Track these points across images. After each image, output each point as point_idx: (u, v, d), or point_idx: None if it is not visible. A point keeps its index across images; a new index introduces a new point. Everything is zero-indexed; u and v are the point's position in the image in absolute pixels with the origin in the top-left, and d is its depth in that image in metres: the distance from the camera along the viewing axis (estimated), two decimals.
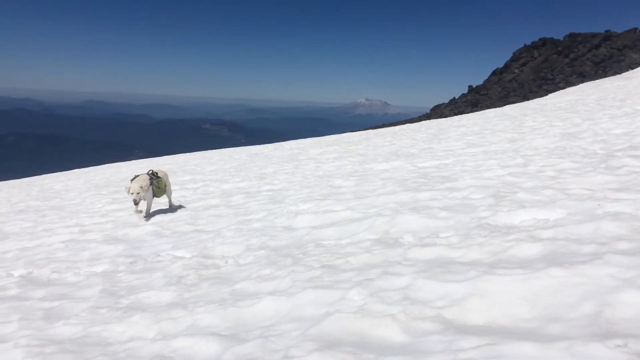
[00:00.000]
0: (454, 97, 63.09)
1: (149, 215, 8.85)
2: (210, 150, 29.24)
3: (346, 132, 30.50)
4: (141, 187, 8.28)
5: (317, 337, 3.22)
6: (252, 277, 4.81)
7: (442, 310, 3.35)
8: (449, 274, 3.91)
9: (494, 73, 64.02)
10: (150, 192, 8.68)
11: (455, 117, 29.41)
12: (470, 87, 63.92)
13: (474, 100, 57.44)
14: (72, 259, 6.74)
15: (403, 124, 32.90)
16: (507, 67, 62.96)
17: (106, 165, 29.45)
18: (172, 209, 9.43)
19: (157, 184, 8.88)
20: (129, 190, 8.35)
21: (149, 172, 8.94)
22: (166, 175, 9.44)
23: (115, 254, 6.75)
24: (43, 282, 5.89)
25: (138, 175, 8.69)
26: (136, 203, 8.43)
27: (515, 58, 63.01)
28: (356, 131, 30.76)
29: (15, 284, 5.88)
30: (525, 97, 43.49)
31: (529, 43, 63.08)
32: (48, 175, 27.49)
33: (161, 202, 9.83)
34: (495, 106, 37.77)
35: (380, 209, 6.67)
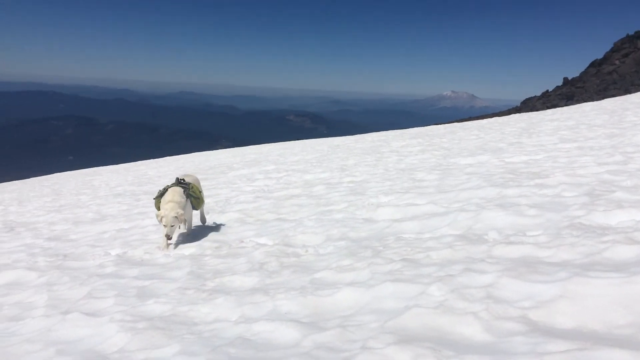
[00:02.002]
0: (547, 90, 59.91)
1: (190, 232, 7.21)
2: (293, 141, 29.73)
3: (430, 125, 29.91)
4: (176, 217, 6.41)
5: (396, 330, 3.20)
6: (332, 267, 4.85)
7: (528, 311, 3.22)
8: (536, 274, 3.74)
9: (591, 64, 60.14)
10: (188, 206, 6.87)
11: (548, 110, 28.01)
12: (565, 79, 60.45)
13: (569, 93, 54.31)
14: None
15: (491, 117, 31.78)
16: (606, 58, 58.89)
17: (195, 153, 30.76)
18: (204, 223, 7.86)
19: (193, 193, 7.05)
20: (161, 219, 6.43)
21: (180, 181, 7.13)
22: (196, 179, 7.65)
23: (202, 238, 7.04)
24: (137, 262, 6.27)
25: (167, 189, 6.82)
26: (169, 238, 6.49)
27: (616, 49, 58.78)
28: (441, 124, 30.10)
29: (112, 262, 6.31)
30: (627, 91, 40.51)
31: (631, 33, 58.61)
32: (143, 161, 29.16)
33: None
34: (592, 99, 35.56)
35: (464, 204, 6.49)
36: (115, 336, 3.94)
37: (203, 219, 7.84)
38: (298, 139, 31.70)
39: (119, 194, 13.81)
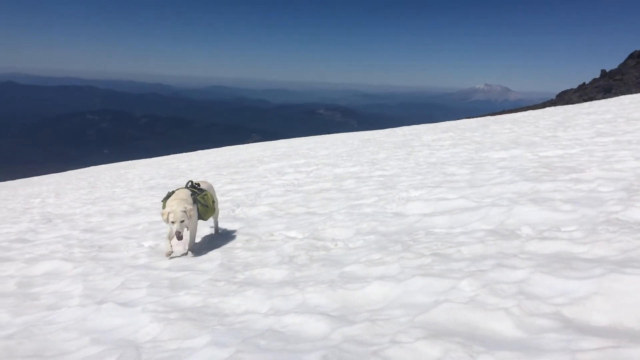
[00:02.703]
0: (584, 83, 58.36)
1: (193, 248, 6.34)
2: (323, 135, 29.74)
3: (462, 118, 29.51)
4: (185, 212, 5.81)
5: (426, 325, 3.18)
6: (361, 261, 4.84)
7: (561, 308, 3.15)
8: (571, 270, 3.66)
9: (631, 56, 58.29)
10: (194, 215, 6.14)
11: (585, 103, 27.31)
12: (603, 71, 58.74)
13: (607, 85, 52.79)
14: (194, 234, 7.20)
15: (525, 110, 31.16)
16: None
17: (226, 147, 31.07)
18: (219, 233, 7.20)
19: (204, 200, 6.41)
20: (167, 218, 5.82)
21: (188, 185, 6.57)
22: (211, 187, 7.11)
23: (233, 231, 7.11)
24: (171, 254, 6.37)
25: (174, 192, 6.32)
26: (179, 237, 5.82)
27: None
28: (473, 117, 29.66)
29: (145, 254, 6.43)
30: None
31: None
32: (175, 155, 29.59)
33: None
34: (631, 92, 34.50)
35: (496, 198, 6.39)
36: (148, 326, 4.02)
37: (216, 229, 7.24)
38: (328, 133, 31.70)
39: (152, 187, 14.05)
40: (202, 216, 6.43)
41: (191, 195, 6.21)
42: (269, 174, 12.88)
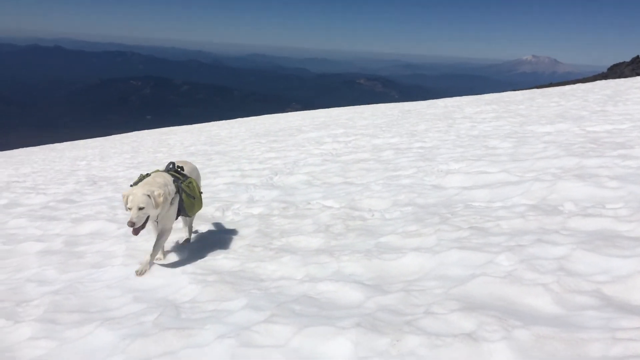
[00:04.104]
0: (638, 56, 55.81)
1: (163, 254, 4.99)
2: (363, 105, 29.47)
3: (507, 91, 28.70)
4: (148, 196, 4.32)
5: (461, 298, 3.16)
6: (398, 232, 4.83)
7: (602, 286, 3.08)
8: (614, 248, 3.56)
9: None
10: (173, 207, 4.73)
11: (638, 77, 26.12)
12: None
13: None
14: (232, 200, 7.32)
15: (573, 83, 30.03)
16: None
17: (265, 115, 31.17)
18: (189, 236, 5.55)
19: (189, 189, 4.92)
20: (126, 201, 4.39)
21: (169, 168, 5.04)
22: (196, 170, 5.66)
23: (271, 198, 7.18)
24: (208, 219, 6.50)
25: (149, 174, 4.82)
26: (135, 230, 4.34)
27: None
28: (519, 90, 28.81)
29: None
30: None
31: None
32: (215, 122, 29.90)
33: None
34: None
35: (539, 173, 6.23)
36: (187, 287, 4.14)
37: (190, 231, 5.58)
38: (368, 104, 31.39)
39: (193, 153, 14.28)
40: (187, 211, 4.90)
41: (173, 182, 4.72)
42: (307, 143, 12.88)
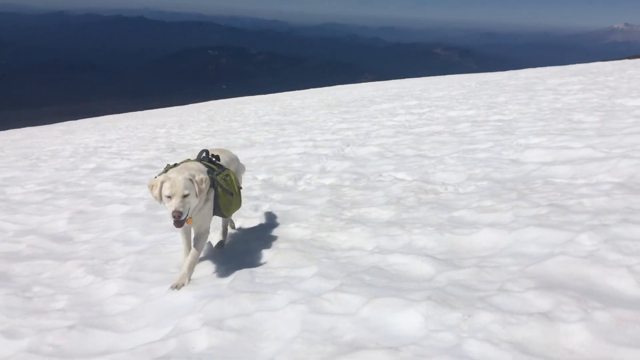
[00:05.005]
0: None
1: (200, 246, 4.01)
2: (438, 76, 28.71)
3: (595, 61, 26.96)
4: (191, 180, 3.62)
5: (537, 276, 3.06)
6: (472, 207, 4.72)
7: None
8: None
9: None
10: (208, 204, 3.97)
11: None
12: None
13: None
14: (304, 170, 7.40)
15: None
16: None
17: (337, 86, 31.08)
18: (224, 243, 4.74)
19: (226, 183, 4.11)
20: (159, 190, 3.62)
21: (202, 157, 4.24)
22: (236, 160, 4.85)
23: (342, 169, 7.20)
24: (280, 188, 6.63)
25: (177, 164, 4.00)
26: (179, 221, 3.53)
27: None
28: (608, 61, 27.00)
29: (259, 186, 6.74)
30: None
31: None
32: (288, 92, 30.16)
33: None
34: None
35: (628, 149, 5.85)
36: (260, 252, 4.27)
37: (231, 224, 5.04)
38: (444, 74, 30.55)
39: (266, 123, 14.51)
40: (222, 210, 4.07)
41: (207, 173, 3.93)
42: (379, 114, 12.75)
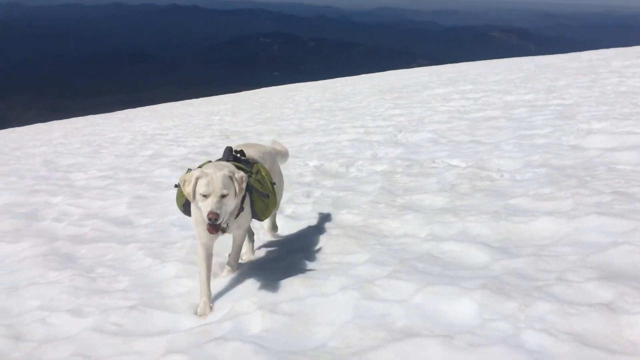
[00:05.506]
0: None
1: (237, 253, 3.87)
2: (495, 60, 27.89)
3: None
4: (230, 178, 3.18)
5: (598, 266, 2.95)
6: (529, 194, 4.58)
7: None
8: None
9: None
10: (245, 210, 3.49)
11: None
12: None
13: None
14: (356, 156, 7.38)
15: None
16: None
17: (390, 71, 30.71)
18: (275, 236, 4.63)
19: (261, 185, 3.60)
20: (192, 187, 3.15)
21: (228, 156, 3.67)
22: (269, 154, 4.21)
23: (394, 156, 7.14)
24: (332, 174, 6.64)
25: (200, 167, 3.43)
26: (216, 225, 3.12)
27: None
28: None
29: (310, 172, 6.78)
30: None
31: None
32: (339, 79, 30.05)
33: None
34: None
35: None
36: (312, 238, 4.31)
37: (274, 226, 4.59)
38: (501, 58, 29.62)
39: (318, 110, 14.53)
40: (259, 215, 3.65)
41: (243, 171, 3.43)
42: (433, 99, 12.52)
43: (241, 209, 3.39)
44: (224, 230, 3.24)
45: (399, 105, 12.31)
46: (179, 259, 4.22)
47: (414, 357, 2.42)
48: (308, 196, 5.70)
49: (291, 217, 4.97)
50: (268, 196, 3.56)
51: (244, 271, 3.77)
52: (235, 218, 3.39)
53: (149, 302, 3.52)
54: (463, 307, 2.77)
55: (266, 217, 3.80)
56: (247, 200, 3.48)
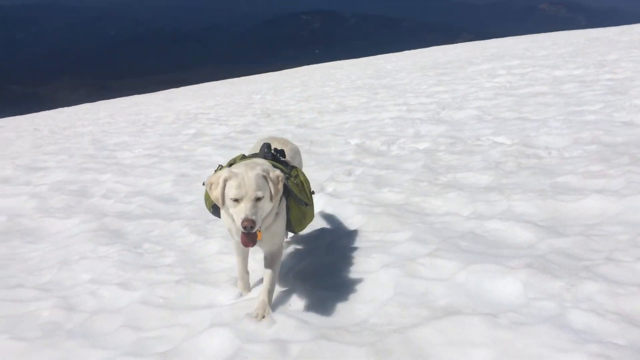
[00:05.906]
0: None
1: (276, 258, 3.08)
2: (543, 34, 26.93)
3: None
4: (265, 178, 2.70)
5: None
6: (578, 172, 4.44)
7: None
8: None
9: None
10: (281, 217, 3.03)
11: None
12: None
13: None
14: (398, 134, 7.30)
15: None
16: None
17: (433, 47, 30.09)
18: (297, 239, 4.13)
19: (299, 189, 3.16)
20: (220, 189, 2.71)
21: (265, 152, 3.25)
22: (298, 153, 3.86)
23: (437, 133, 7.02)
24: (374, 152, 6.60)
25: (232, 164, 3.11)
26: (252, 234, 2.66)
27: None
28: None
29: (352, 150, 6.75)
30: None
31: None
32: (381, 55, 29.68)
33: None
34: None
35: None
36: (354, 217, 4.31)
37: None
38: (549, 32, 28.57)
39: (359, 87, 14.41)
40: (293, 225, 3.22)
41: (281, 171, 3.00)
42: (478, 75, 12.22)
43: (277, 216, 2.91)
44: (255, 237, 2.70)
45: (442, 82, 12.08)
46: (221, 236, 4.30)
47: (456, 335, 2.40)
48: (349, 174, 5.69)
49: (332, 195, 4.98)
50: (306, 204, 3.13)
51: (287, 251, 3.81)
52: (268, 226, 2.87)
53: (193, 277, 3.61)
54: (507, 286, 2.72)
55: (301, 229, 3.31)
56: (283, 204, 3.01)
